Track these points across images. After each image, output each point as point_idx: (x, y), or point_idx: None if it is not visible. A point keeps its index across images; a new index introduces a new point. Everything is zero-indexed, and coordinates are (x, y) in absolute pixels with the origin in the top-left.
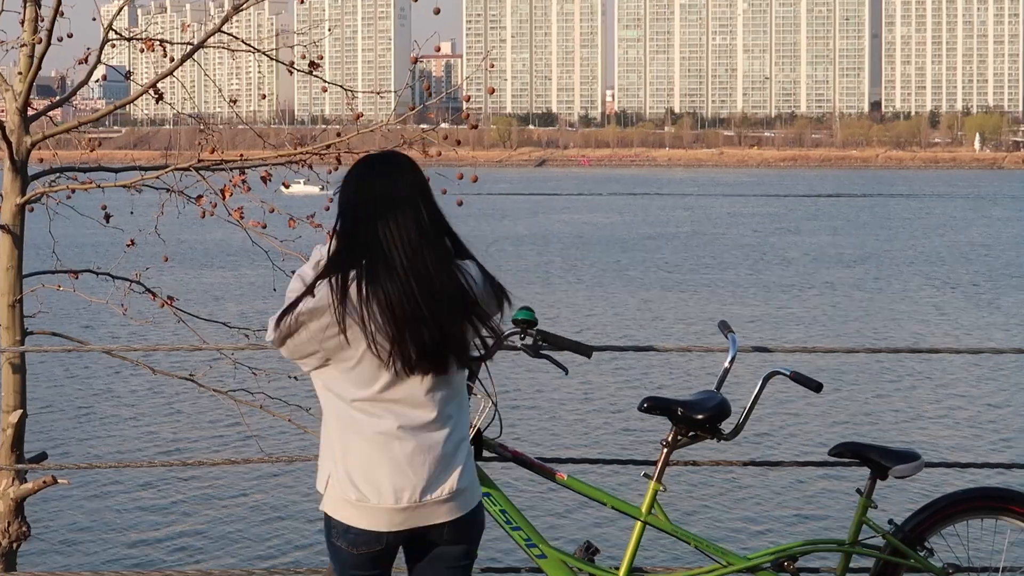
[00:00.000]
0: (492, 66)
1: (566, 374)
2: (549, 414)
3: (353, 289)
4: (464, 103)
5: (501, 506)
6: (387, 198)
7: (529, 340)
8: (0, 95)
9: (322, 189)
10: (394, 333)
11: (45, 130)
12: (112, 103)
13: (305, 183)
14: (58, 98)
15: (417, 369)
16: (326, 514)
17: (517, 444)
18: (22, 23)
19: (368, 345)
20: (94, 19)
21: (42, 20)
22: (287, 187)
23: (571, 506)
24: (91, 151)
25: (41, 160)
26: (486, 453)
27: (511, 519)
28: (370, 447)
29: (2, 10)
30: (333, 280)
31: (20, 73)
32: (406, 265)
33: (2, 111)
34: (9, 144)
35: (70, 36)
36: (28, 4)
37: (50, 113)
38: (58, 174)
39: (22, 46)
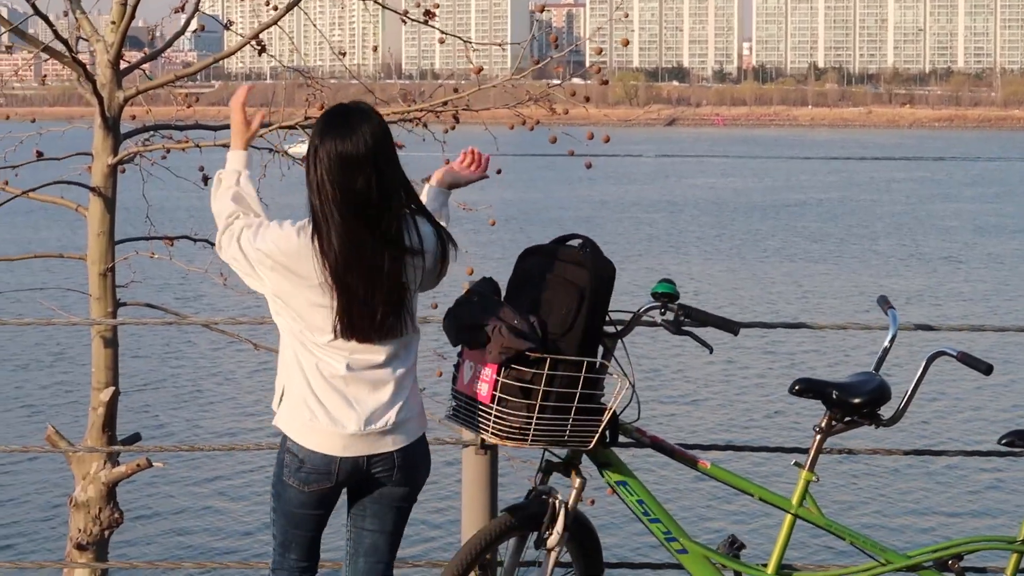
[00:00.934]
0: (626, 15)
1: (710, 352)
2: (690, 396)
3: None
4: (592, 56)
5: (639, 496)
6: (341, 158)
7: (670, 315)
8: (91, 46)
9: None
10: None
11: (138, 84)
12: (206, 55)
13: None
14: (151, 50)
15: (344, 338)
16: (281, 446)
17: (655, 429)
18: None
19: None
20: None
21: None
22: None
23: (714, 497)
24: (188, 107)
25: (133, 117)
26: (622, 438)
27: (649, 510)
28: (323, 383)
29: None
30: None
31: (112, 23)
32: (341, 233)
33: (92, 64)
34: (100, 100)
35: None
36: None
37: (142, 67)
38: (152, 132)
39: None
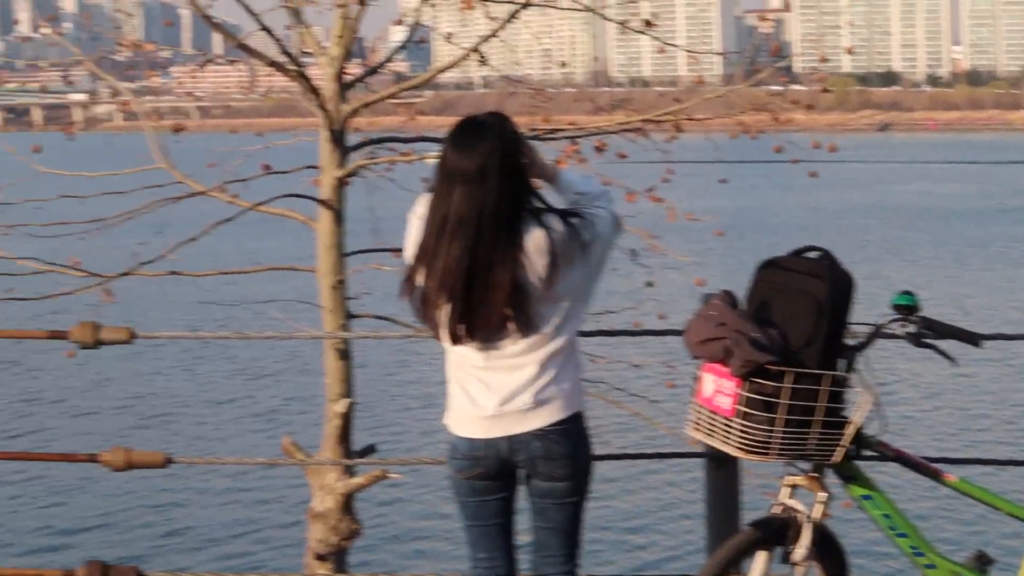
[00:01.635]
0: (850, 23)
1: (954, 364)
2: (931, 409)
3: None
4: (801, 62)
5: (884, 510)
6: (459, 175)
7: (911, 328)
8: (315, 60)
9: None
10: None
11: (361, 98)
12: (420, 67)
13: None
14: (371, 63)
15: (467, 341)
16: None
17: (897, 442)
18: None
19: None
20: None
21: None
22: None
23: (958, 511)
24: (412, 119)
25: (357, 130)
26: (866, 452)
27: (896, 524)
28: (464, 372)
29: None
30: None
31: (338, 36)
32: (456, 242)
33: (318, 78)
34: (326, 113)
35: None
36: None
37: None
38: (377, 144)
39: (338, 6)
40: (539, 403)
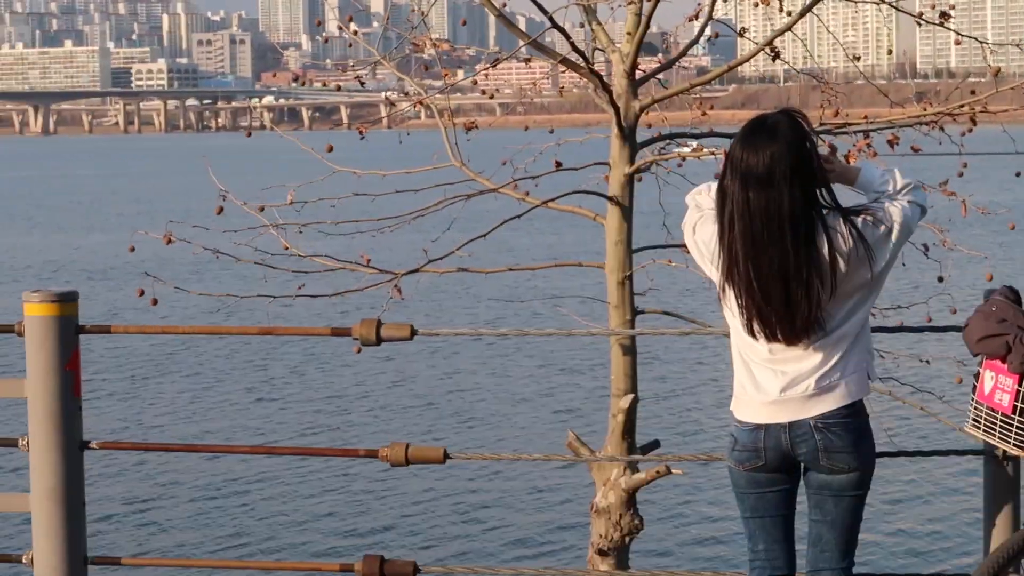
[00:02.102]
0: None
1: None
2: None
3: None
4: None
5: None
6: (751, 176)
7: None
8: (606, 56)
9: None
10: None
11: (653, 93)
12: (721, 60)
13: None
14: (665, 57)
15: (764, 339)
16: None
17: None
18: None
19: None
20: None
21: None
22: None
23: None
24: (702, 115)
25: (649, 125)
26: None
27: None
28: (751, 361)
29: None
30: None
31: (628, 33)
32: (745, 240)
33: (608, 74)
34: (616, 109)
35: None
36: None
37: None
38: (668, 140)
39: (629, 3)
40: (822, 390)
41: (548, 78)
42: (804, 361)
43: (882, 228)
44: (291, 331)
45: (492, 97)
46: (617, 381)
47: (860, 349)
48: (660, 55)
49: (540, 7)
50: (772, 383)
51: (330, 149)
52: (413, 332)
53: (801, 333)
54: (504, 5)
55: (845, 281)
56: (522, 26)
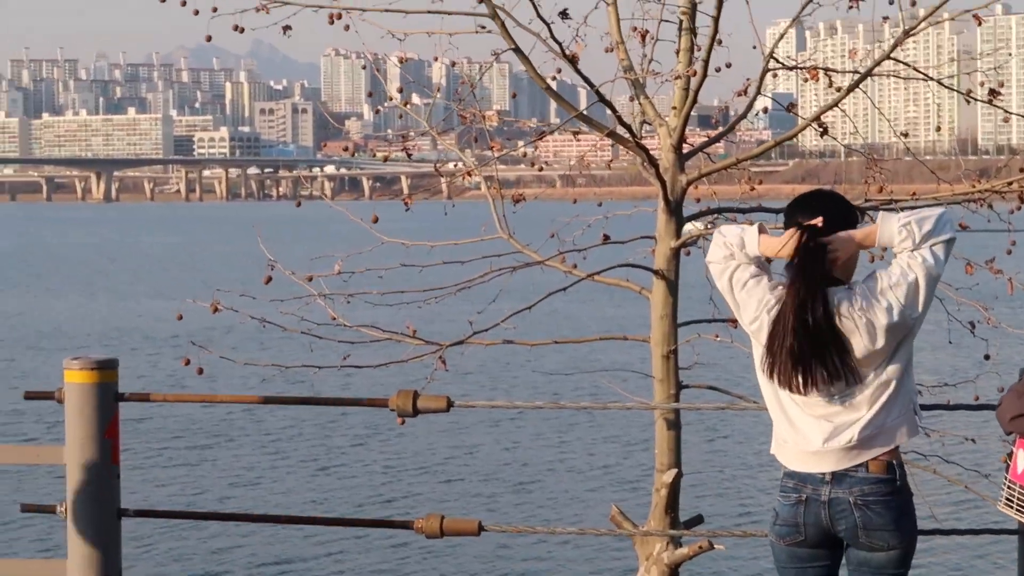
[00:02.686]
0: None
1: None
2: None
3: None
4: None
5: None
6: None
7: None
8: (654, 130)
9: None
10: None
11: (702, 167)
12: (780, 132)
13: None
14: (715, 132)
15: (802, 390)
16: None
17: None
18: (677, 53)
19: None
20: (754, 47)
21: (698, 49)
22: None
23: None
24: (751, 189)
25: (698, 200)
26: None
27: None
28: (787, 408)
29: (655, 40)
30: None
31: (674, 107)
32: (786, 299)
33: (656, 148)
34: (663, 183)
35: (728, 66)
36: (683, 33)
37: (707, 148)
38: (716, 215)
39: (676, 78)
40: (866, 439)
41: (597, 151)
42: (847, 411)
43: (899, 286)
44: (329, 401)
45: (541, 170)
46: (661, 455)
47: (904, 393)
48: (713, 128)
49: (586, 80)
50: (815, 433)
51: (375, 220)
52: (450, 404)
53: (840, 384)
54: (554, 79)
55: (881, 341)
56: (582, 99)
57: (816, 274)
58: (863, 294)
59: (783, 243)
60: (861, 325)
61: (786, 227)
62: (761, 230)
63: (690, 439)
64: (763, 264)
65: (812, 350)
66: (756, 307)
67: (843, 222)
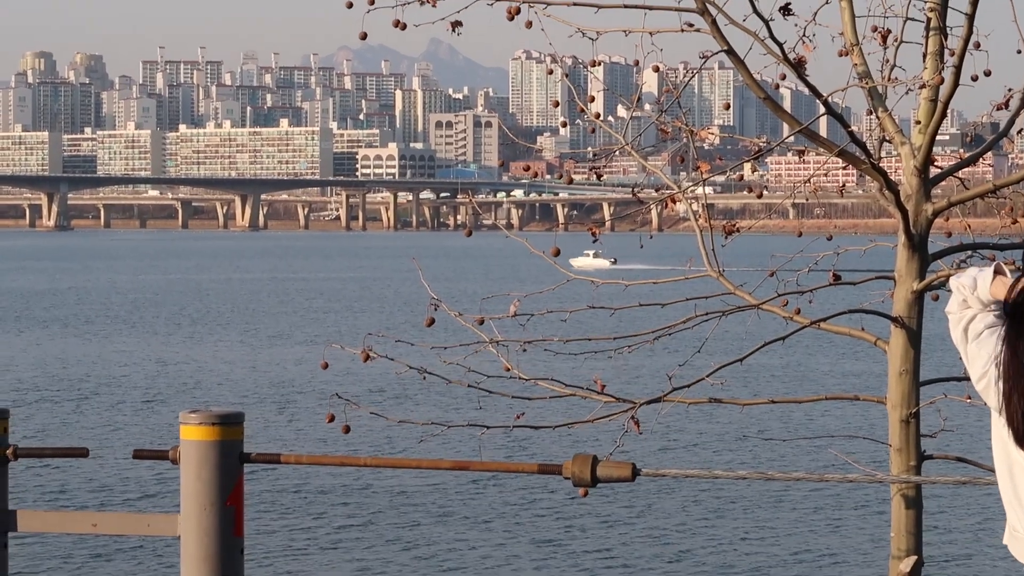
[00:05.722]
0: None
1: None
2: None
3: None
4: None
5: None
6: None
7: None
8: (894, 150)
9: (614, 263)
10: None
11: (953, 195)
12: None
13: (594, 256)
14: (969, 154)
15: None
16: None
17: None
18: (923, 58)
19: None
20: (1020, 51)
21: (950, 54)
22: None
23: None
24: (1013, 222)
25: (949, 234)
26: None
27: None
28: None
29: (899, 42)
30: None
31: (918, 122)
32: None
33: (898, 171)
34: (904, 213)
35: (987, 75)
36: (931, 34)
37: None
38: (968, 253)
39: (921, 87)
40: None
41: (828, 174)
42: None
43: None
44: (491, 467)
45: (760, 196)
46: (897, 539)
47: None
48: (961, 149)
49: (812, 89)
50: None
51: (556, 253)
52: (635, 472)
53: None
54: (777, 87)
55: None
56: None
57: None
58: None
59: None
60: None
61: None
62: (998, 271)
63: (932, 520)
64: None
65: None
66: (985, 362)
67: None
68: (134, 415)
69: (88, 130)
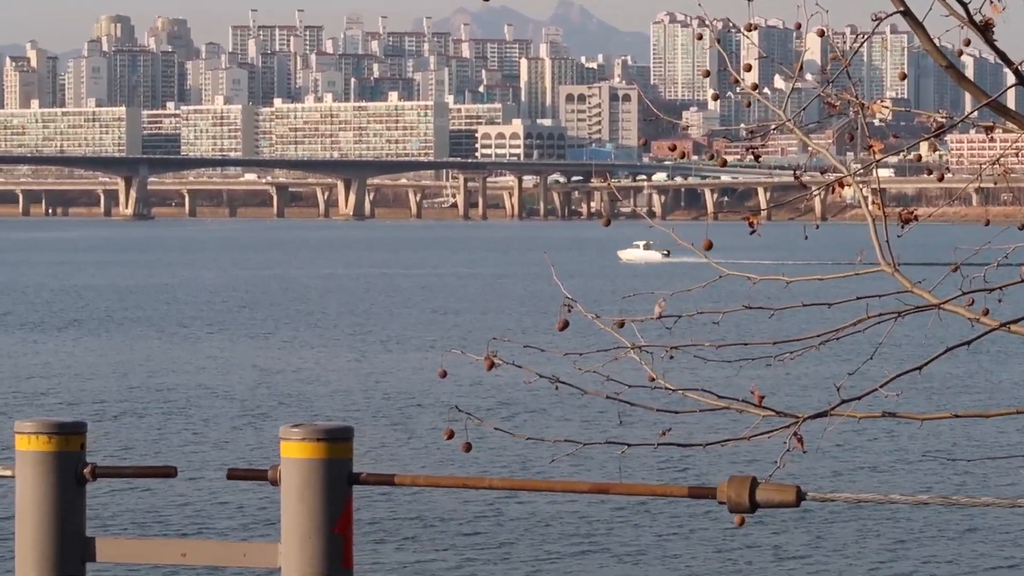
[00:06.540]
0: None
1: None
2: None
3: None
4: None
5: None
6: None
7: None
8: None
9: (666, 255)
10: None
11: None
12: None
13: (645, 247)
14: None
15: None
16: None
17: None
18: None
19: None
20: None
21: None
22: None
23: None
24: None
25: None
26: None
27: None
28: None
29: None
30: None
31: None
32: None
33: None
34: None
35: None
36: None
37: None
38: None
39: None
40: None
41: (1017, 153)
42: None
43: None
44: (635, 490)
45: (942, 178)
46: None
47: None
48: None
49: (1002, 56)
50: None
51: (708, 246)
52: (800, 496)
53: None
54: (960, 53)
55: None
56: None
57: None
58: None
59: None
60: None
61: None
62: None
63: None
64: None
65: None
66: None
67: None
68: (229, 430)
69: (171, 105)
